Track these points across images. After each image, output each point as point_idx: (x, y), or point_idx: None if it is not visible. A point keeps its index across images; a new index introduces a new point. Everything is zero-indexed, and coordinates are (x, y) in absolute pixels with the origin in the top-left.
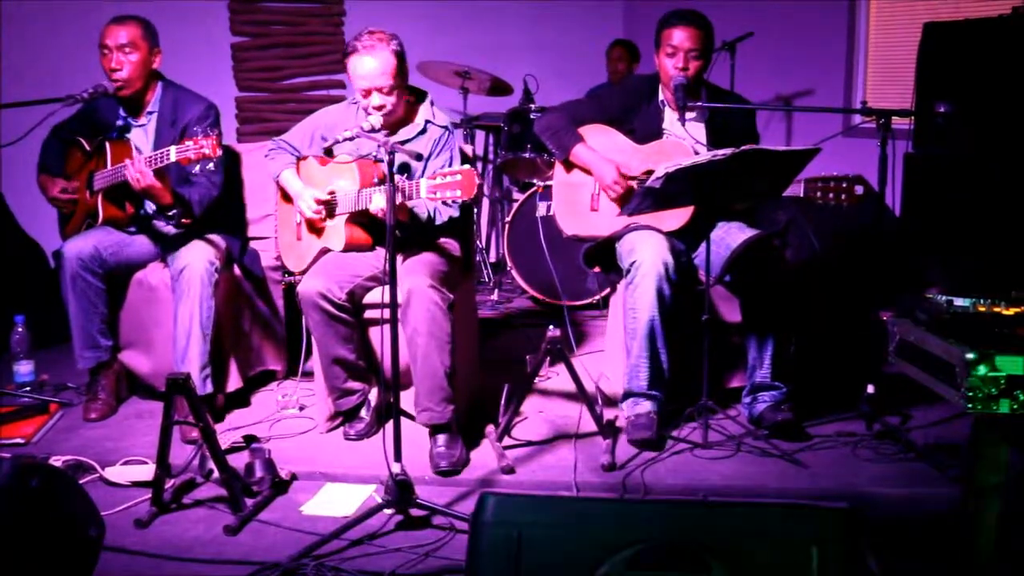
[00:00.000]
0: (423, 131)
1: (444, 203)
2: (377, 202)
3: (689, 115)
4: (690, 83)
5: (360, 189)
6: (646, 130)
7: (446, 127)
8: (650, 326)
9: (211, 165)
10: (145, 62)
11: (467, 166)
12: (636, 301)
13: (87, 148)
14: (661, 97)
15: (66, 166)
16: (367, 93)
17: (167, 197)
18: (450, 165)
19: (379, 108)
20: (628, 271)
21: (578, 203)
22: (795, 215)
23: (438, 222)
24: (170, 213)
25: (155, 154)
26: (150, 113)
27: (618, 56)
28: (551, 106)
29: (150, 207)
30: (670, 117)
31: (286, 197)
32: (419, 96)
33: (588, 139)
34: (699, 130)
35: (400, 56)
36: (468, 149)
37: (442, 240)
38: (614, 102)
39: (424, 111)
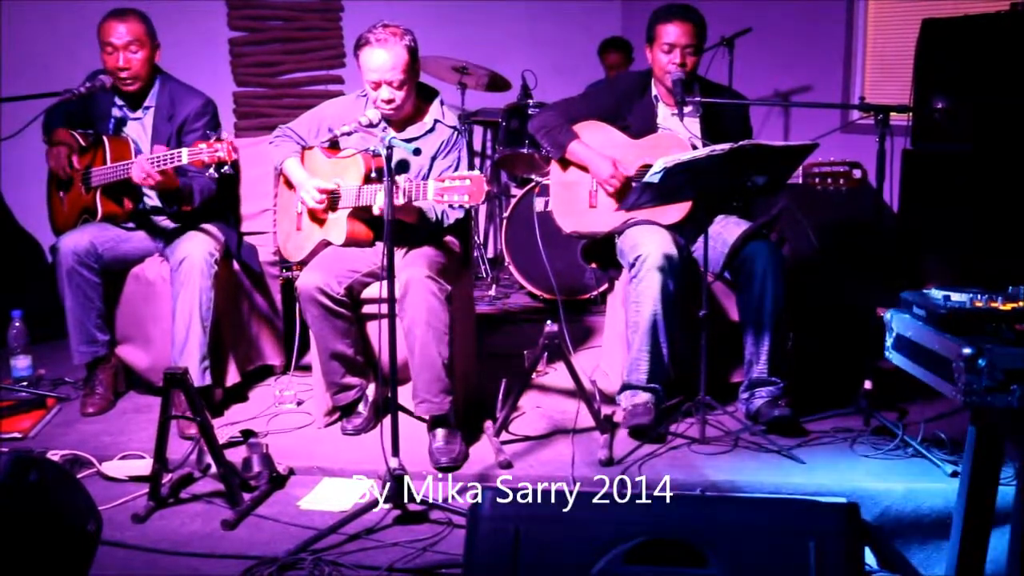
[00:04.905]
0: (431, 130)
1: (451, 206)
2: (381, 201)
3: (685, 109)
4: (687, 78)
5: (364, 184)
6: (640, 126)
7: (455, 128)
8: (653, 320)
9: (227, 168)
10: (149, 58)
11: (476, 172)
12: (640, 295)
13: (82, 142)
14: (654, 92)
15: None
16: (377, 86)
17: (173, 183)
18: (457, 166)
19: (388, 102)
20: (633, 265)
21: (576, 201)
22: (789, 204)
23: (446, 225)
24: (172, 200)
25: (165, 155)
26: (147, 107)
27: (615, 62)
28: (545, 105)
29: (149, 202)
30: (664, 112)
31: (288, 184)
32: (429, 95)
33: (583, 136)
34: (694, 124)
35: (413, 52)
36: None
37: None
38: (607, 99)
39: (434, 110)
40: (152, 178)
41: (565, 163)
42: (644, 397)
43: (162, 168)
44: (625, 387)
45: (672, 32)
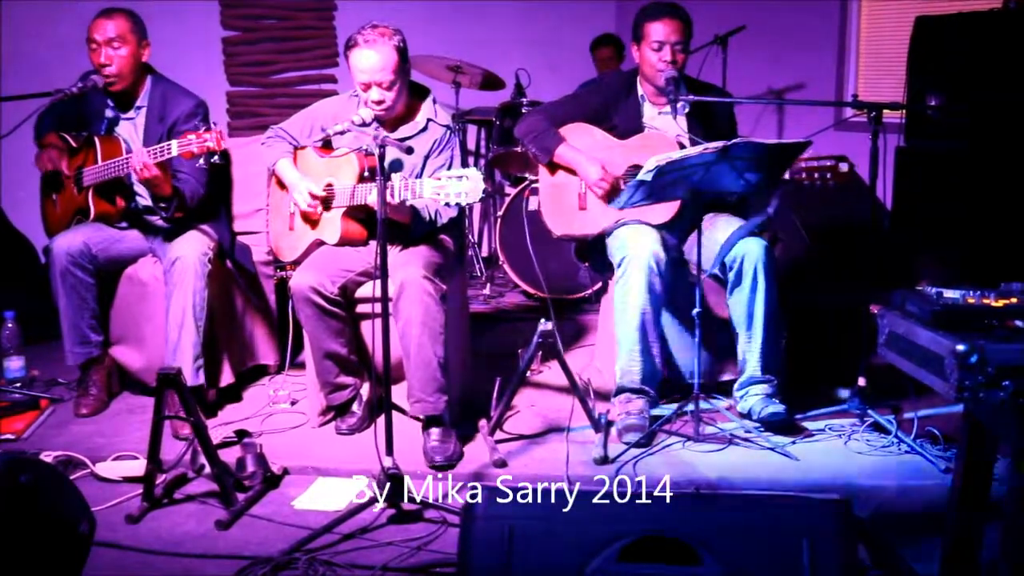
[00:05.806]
0: (424, 129)
1: (446, 204)
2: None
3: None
4: (679, 76)
5: (358, 183)
6: (626, 125)
7: (448, 126)
8: (641, 320)
9: (216, 158)
10: (134, 56)
11: (473, 169)
12: (627, 295)
13: (73, 144)
14: (640, 91)
15: None
16: (367, 87)
17: (167, 188)
18: (450, 165)
19: (378, 103)
20: (619, 265)
21: (566, 204)
22: (782, 205)
23: (439, 224)
24: (163, 204)
25: (156, 148)
26: (139, 107)
27: (607, 56)
28: (536, 106)
29: (141, 201)
30: (649, 111)
31: (281, 184)
32: (421, 94)
33: (570, 139)
34: (681, 122)
35: (402, 52)
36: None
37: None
38: (592, 100)
39: (426, 109)
40: (149, 169)
41: (553, 166)
42: (638, 404)
43: (159, 160)
44: (619, 390)
45: (661, 30)
